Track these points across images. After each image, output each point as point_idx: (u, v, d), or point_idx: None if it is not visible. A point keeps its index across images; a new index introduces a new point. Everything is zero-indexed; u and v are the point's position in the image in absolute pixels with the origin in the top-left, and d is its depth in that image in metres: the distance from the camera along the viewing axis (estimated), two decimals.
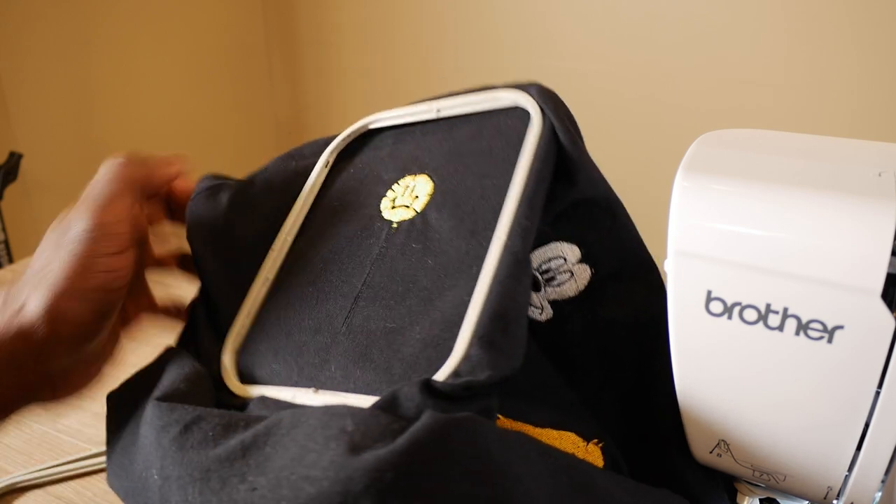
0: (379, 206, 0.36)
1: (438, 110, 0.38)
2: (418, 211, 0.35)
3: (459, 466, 0.23)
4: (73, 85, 1.49)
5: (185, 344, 0.38)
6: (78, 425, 0.54)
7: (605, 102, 1.55)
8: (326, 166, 0.41)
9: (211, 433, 0.28)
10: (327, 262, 0.35)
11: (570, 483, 0.27)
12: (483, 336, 0.27)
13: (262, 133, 2.03)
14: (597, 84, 1.56)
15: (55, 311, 0.32)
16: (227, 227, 0.38)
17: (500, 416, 0.32)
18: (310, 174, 0.40)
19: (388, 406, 0.26)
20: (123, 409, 0.34)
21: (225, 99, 1.86)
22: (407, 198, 0.36)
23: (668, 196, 0.28)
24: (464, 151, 0.36)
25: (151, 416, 0.30)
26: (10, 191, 1.29)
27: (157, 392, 0.31)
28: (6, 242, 1.31)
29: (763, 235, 0.26)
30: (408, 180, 0.37)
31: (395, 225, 0.35)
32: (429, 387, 0.26)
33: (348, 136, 0.41)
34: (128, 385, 0.35)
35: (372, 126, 0.41)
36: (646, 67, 1.50)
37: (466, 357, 0.27)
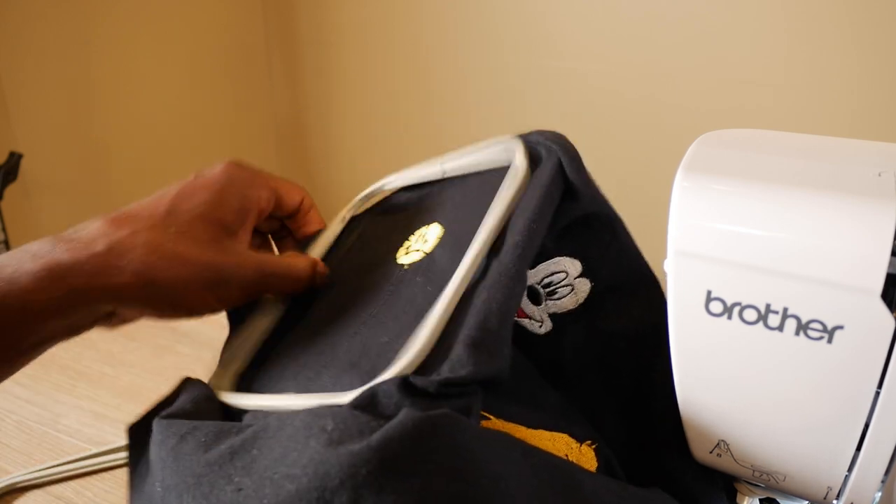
0: (396, 254, 0.38)
1: (444, 172, 0.42)
2: (427, 253, 0.37)
3: (434, 463, 0.23)
4: (73, 85, 1.49)
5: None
6: (78, 425, 0.54)
7: (605, 102, 1.55)
8: (342, 222, 0.44)
9: (203, 440, 0.28)
10: (345, 308, 0.37)
11: (552, 483, 0.27)
12: (466, 336, 0.28)
13: (261, 133, 2.03)
14: (597, 84, 1.56)
15: (155, 283, 0.32)
16: None
17: (491, 416, 0.32)
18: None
19: (366, 403, 0.26)
20: (142, 438, 0.35)
21: (225, 99, 1.86)
22: (419, 243, 0.38)
23: (668, 196, 0.28)
24: (470, 198, 0.38)
25: (154, 433, 0.31)
26: (10, 191, 1.29)
27: (164, 412, 0.33)
28: (6, 242, 1.31)
29: (763, 235, 0.26)
30: (422, 230, 0.39)
31: (406, 267, 0.37)
32: (406, 384, 0.26)
33: (364, 197, 0.46)
34: (147, 416, 0.37)
35: (388, 187, 0.45)
36: (646, 67, 1.50)
37: (450, 357, 0.27)
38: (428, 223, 0.39)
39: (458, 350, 0.27)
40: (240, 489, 0.25)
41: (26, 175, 1.36)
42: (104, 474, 0.49)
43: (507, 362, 0.28)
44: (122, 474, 0.50)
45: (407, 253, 0.38)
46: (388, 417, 0.25)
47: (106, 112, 1.57)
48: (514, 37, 1.62)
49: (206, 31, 1.78)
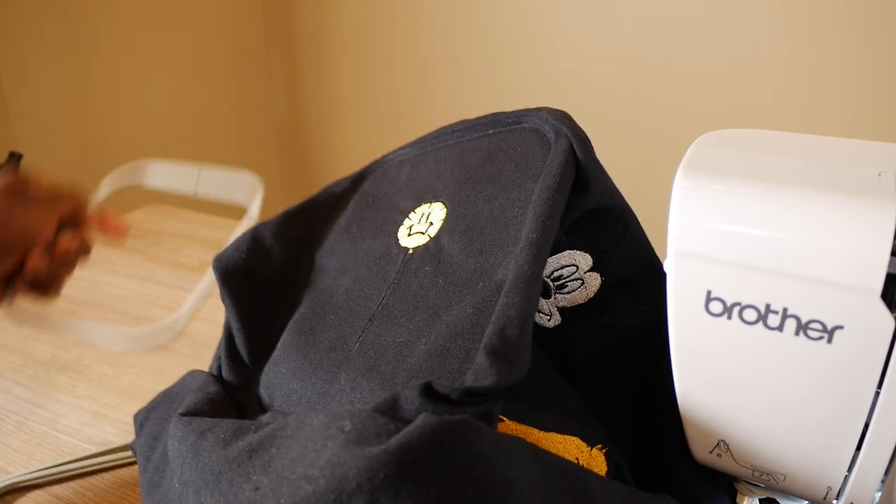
0: (397, 234, 0.38)
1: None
2: (432, 236, 0.36)
3: (451, 469, 0.23)
4: (73, 85, 1.49)
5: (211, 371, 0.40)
6: (78, 425, 0.54)
7: (606, 102, 1.55)
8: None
9: (222, 436, 0.29)
10: (350, 291, 0.37)
11: (564, 489, 0.27)
12: (487, 345, 0.28)
13: (261, 133, 2.03)
14: (597, 84, 1.56)
15: None
16: (246, 271, 0.41)
17: (505, 418, 0.32)
18: (319, 216, 0.44)
19: (388, 408, 0.26)
20: (150, 427, 0.35)
21: (225, 99, 1.86)
22: (422, 225, 0.37)
23: (668, 196, 0.28)
24: (475, 178, 0.37)
25: (174, 429, 0.31)
26: None
27: (182, 409, 0.33)
28: None
29: (763, 235, 0.26)
30: (423, 208, 0.38)
31: (410, 251, 0.36)
32: (429, 390, 0.26)
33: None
34: (152, 405, 0.37)
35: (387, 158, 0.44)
36: (646, 67, 1.50)
37: (473, 366, 0.27)
38: (429, 201, 0.38)
39: (480, 359, 0.27)
40: (257, 488, 0.25)
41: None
42: (104, 474, 0.49)
43: (527, 368, 0.28)
44: (122, 474, 0.49)
45: (410, 234, 0.37)
46: (408, 421, 0.25)
47: (106, 112, 1.57)
48: (514, 37, 1.62)
49: (206, 31, 1.78)
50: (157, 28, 1.65)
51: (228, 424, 0.29)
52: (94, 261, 0.63)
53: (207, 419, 0.30)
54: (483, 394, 0.26)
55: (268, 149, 2.05)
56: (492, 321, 0.29)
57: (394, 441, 0.23)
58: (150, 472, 0.34)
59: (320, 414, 0.27)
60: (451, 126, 0.42)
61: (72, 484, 0.49)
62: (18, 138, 1.40)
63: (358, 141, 1.93)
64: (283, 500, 0.24)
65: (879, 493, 0.29)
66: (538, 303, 0.32)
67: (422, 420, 0.24)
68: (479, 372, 0.27)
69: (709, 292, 0.28)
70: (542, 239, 0.31)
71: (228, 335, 0.39)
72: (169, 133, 1.71)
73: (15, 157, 1.41)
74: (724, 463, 0.32)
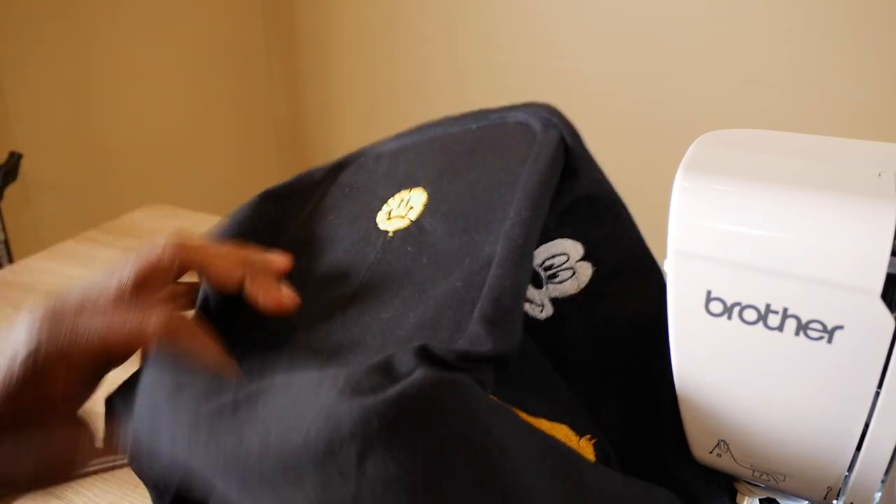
0: (375, 219, 0.37)
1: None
2: (413, 220, 0.36)
3: (447, 426, 0.23)
4: (73, 85, 1.49)
5: None
6: None
7: (606, 102, 1.55)
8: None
9: (203, 390, 0.27)
10: (326, 274, 0.36)
11: (556, 465, 0.27)
12: (482, 312, 0.28)
13: (261, 133, 2.03)
14: (597, 84, 1.56)
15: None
16: None
17: (494, 397, 0.32)
18: (293, 204, 0.42)
19: (382, 368, 0.25)
20: (123, 412, 0.34)
21: (224, 99, 1.86)
22: (402, 209, 0.37)
23: (668, 196, 0.28)
24: (458, 165, 0.37)
25: (144, 381, 0.29)
26: (10, 191, 1.29)
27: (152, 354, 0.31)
28: (6, 242, 1.31)
29: (763, 235, 0.26)
30: (403, 194, 0.38)
31: (390, 234, 0.36)
32: (425, 352, 0.25)
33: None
34: (124, 388, 0.35)
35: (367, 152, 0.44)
36: (646, 68, 1.50)
37: (467, 334, 0.27)
38: (409, 187, 0.38)
39: (475, 327, 0.27)
40: (241, 440, 0.24)
41: (26, 175, 1.36)
42: (104, 474, 0.49)
43: (519, 342, 0.28)
44: (122, 474, 0.49)
45: (389, 219, 0.37)
46: (402, 378, 0.24)
47: (106, 112, 1.57)
48: (514, 37, 1.63)
49: (206, 31, 1.78)
50: (157, 28, 1.65)
51: (208, 378, 0.28)
52: (94, 261, 0.63)
53: (183, 371, 0.28)
54: (478, 360, 0.26)
55: (268, 149, 2.05)
56: (485, 291, 0.29)
57: (391, 391, 0.22)
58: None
59: (309, 373, 0.26)
60: (433, 122, 0.42)
61: (72, 484, 0.49)
62: (18, 138, 1.40)
63: (358, 141, 1.92)
64: (270, 451, 0.23)
65: (879, 494, 0.29)
66: (530, 277, 0.32)
67: (420, 374, 0.23)
68: (474, 339, 0.27)
69: (709, 292, 0.28)
70: (533, 216, 0.31)
71: (203, 303, 0.38)
72: (169, 133, 1.71)
73: (15, 157, 1.42)
74: (724, 463, 0.32)
